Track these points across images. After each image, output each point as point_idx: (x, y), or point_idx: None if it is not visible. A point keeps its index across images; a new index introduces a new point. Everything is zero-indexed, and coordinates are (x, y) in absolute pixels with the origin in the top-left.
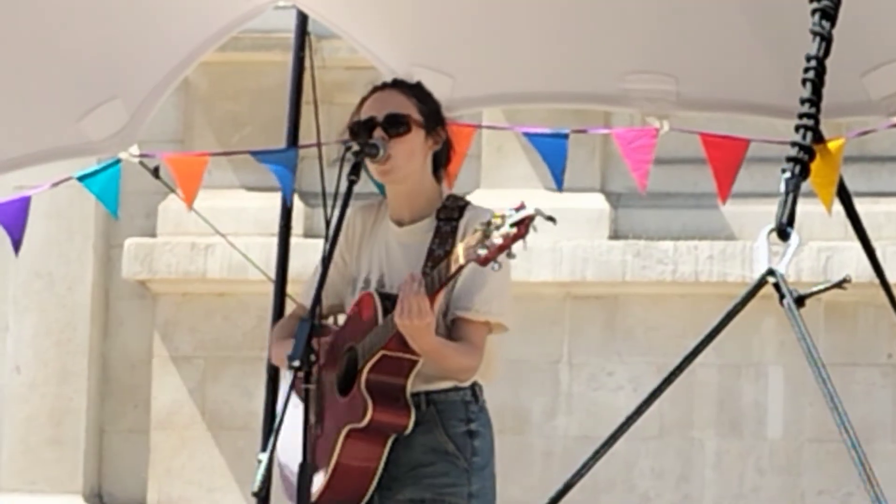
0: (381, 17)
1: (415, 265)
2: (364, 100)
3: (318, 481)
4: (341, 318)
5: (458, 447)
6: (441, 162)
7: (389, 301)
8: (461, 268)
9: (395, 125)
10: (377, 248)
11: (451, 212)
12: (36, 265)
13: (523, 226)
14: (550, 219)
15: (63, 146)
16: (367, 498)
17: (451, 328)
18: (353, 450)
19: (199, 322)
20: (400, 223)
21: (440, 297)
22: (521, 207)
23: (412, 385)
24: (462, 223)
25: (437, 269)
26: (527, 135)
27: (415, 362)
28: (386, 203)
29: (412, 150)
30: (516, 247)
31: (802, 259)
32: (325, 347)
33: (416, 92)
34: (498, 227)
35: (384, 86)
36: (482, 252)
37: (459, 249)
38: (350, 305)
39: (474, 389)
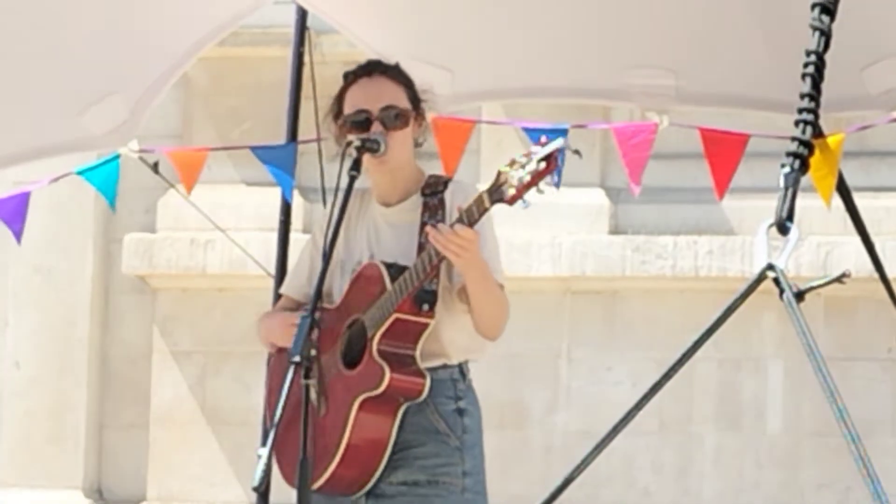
0: (380, 11)
1: (405, 242)
2: (346, 88)
3: (328, 461)
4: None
5: (449, 426)
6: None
7: (394, 269)
8: (486, 210)
9: (394, 120)
10: (365, 230)
11: (436, 186)
12: (36, 260)
13: (552, 160)
14: (577, 152)
15: (63, 141)
16: (378, 474)
17: (460, 298)
18: (366, 421)
19: (199, 317)
20: (386, 204)
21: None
22: (546, 143)
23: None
24: (447, 194)
25: (453, 223)
26: (525, 130)
27: (425, 326)
28: (370, 189)
29: (406, 139)
30: (544, 183)
31: (802, 254)
32: (323, 326)
33: (402, 77)
34: (524, 165)
35: (368, 72)
36: (510, 191)
37: (483, 194)
38: (342, 286)
39: (461, 367)
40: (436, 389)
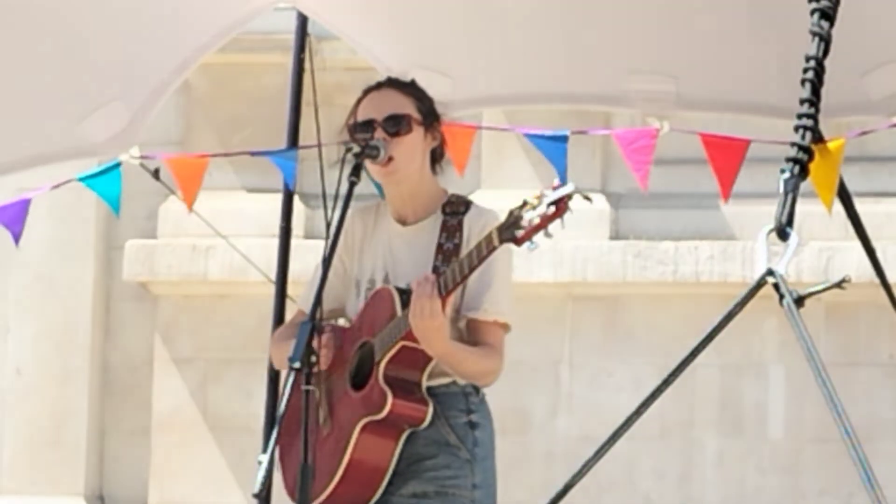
0: (381, 18)
1: (422, 262)
2: (360, 101)
3: (327, 480)
4: (342, 322)
5: (460, 438)
6: (436, 157)
7: (406, 295)
8: (494, 249)
9: (396, 125)
10: (380, 248)
11: (457, 206)
12: (37, 267)
13: (562, 204)
14: (587, 198)
15: (64, 148)
16: (377, 495)
17: (467, 332)
18: (367, 445)
19: (200, 324)
20: (403, 222)
21: (452, 298)
22: (559, 186)
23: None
24: (467, 218)
25: (461, 260)
26: (528, 136)
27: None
28: (385, 203)
29: (413, 149)
30: (553, 227)
31: (803, 259)
32: (335, 346)
33: (413, 90)
34: (535, 207)
35: (379, 85)
36: (518, 232)
37: (493, 232)
38: (357, 305)
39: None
40: (448, 402)
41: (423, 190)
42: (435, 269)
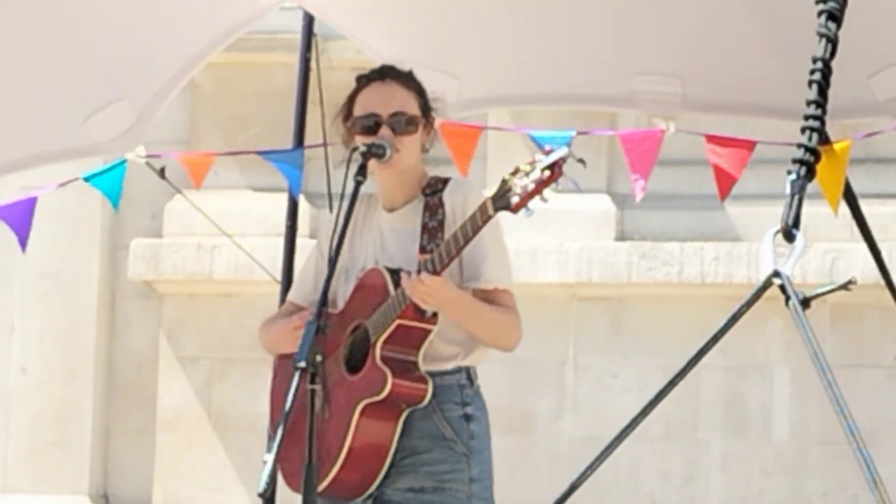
0: (387, 18)
1: (408, 245)
2: (358, 90)
3: (329, 466)
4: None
5: (456, 432)
6: (424, 148)
7: (396, 274)
8: (489, 218)
9: (403, 125)
10: (371, 236)
11: (436, 185)
12: (42, 266)
13: (557, 168)
14: (581, 161)
15: (69, 147)
16: (379, 478)
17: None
18: (368, 426)
19: (205, 323)
20: (391, 209)
21: (447, 272)
22: (550, 151)
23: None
24: (446, 193)
25: (455, 232)
26: (533, 138)
27: (427, 332)
28: (376, 195)
29: (415, 145)
30: (547, 191)
31: (808, 260)
32: (326, 331)
33: (413, 83)
34: (528, 173)
35: (381, 76)
36: (514, 199)
37: (487, 201)
38: (349, 289)
39: (469, 373)
40: (443, 395)
41: (414, 175)
42: (422, 248)
